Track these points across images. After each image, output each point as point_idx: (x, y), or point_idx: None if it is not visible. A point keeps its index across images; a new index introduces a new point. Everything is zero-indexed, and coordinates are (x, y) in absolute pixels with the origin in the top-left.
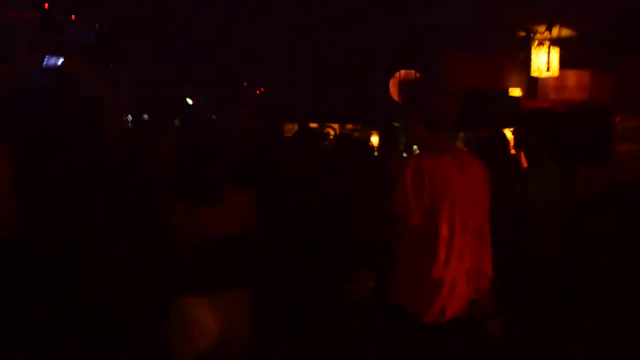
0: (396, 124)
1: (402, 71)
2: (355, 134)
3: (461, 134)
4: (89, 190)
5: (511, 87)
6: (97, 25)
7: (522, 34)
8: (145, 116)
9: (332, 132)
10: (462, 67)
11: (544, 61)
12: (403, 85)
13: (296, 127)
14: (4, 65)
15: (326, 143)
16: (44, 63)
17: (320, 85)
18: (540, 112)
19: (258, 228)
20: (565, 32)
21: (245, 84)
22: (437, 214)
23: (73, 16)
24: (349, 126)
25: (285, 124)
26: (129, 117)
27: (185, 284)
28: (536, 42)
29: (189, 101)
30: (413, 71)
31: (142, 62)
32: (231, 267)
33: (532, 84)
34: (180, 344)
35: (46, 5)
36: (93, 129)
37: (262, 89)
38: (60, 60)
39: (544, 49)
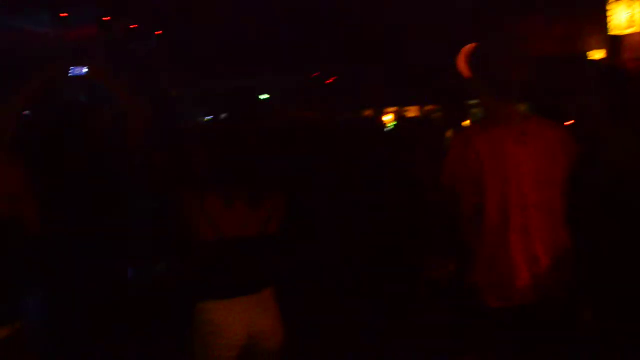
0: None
1: (469, 45)
2: (435, 115)
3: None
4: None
5: (592, 49)
6: (158, 31)
7: None
8: (224, 115)
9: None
10: (534, 32)
11: (625, 17)
12: (468, 55)
13: (373, 112)
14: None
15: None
16: (70, 73)
17: (395, 68)
18: (607, 72)
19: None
20: None
21: (317, 73)
22: (486, 188)
23: (133, 26)
24: (429, 107)
25: (365, 110)
26: (210, 117)
27: (207, 287)
28: None
29: (265, 96)
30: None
31: (211, 60)
32: (254, 270)
33: (615, 44)
34: (204, 351)
35: (107, 18)
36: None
37: (334, 77)
38: (85, 70)
39: (624, 2)
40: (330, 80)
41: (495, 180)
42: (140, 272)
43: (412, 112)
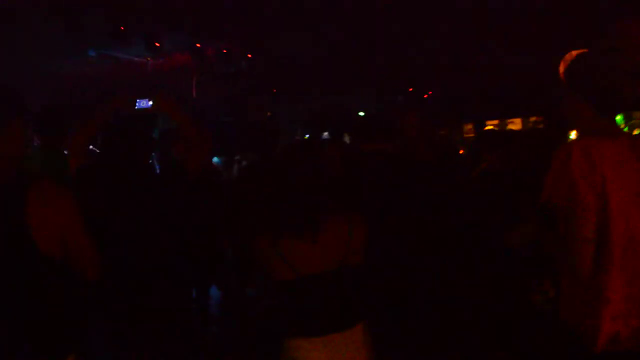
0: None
1: (574, 52)
2: (540, 125)
3: None
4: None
5: None
6: (249, 54)
7: None
8: (326, 134)
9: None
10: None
11: None
12: (568, 62)
13: (472, 126)
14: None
15: None
16: (136, 106)
17: (494, 80)
18: None
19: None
20: None
21: (411, 89)
22: (609, 214)
23: (225, 50)
24: (533, 118)
25: (463, 125)
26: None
27: (294, 324)
28: None
29: (361, 113)
30: (587, 50)
31: (301, 78)
32: (342, 305)
33: None
34: None
35: (198, 44)
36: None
37: (430, 92)
38: (150, 103)
39: None
40: (426, 96)
41: (622, 202)
42: (228, 295)
43: (515, 124)
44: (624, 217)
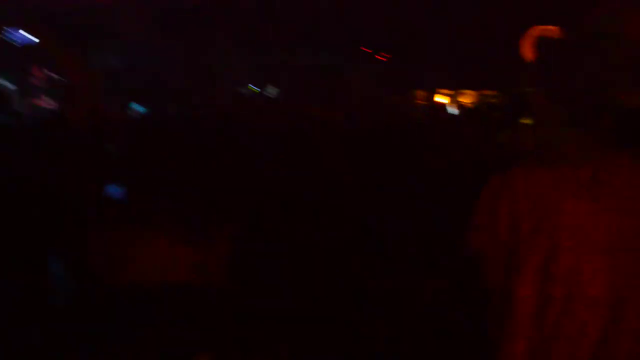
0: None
1: (539, 27)
2: (492, 100)
3: None
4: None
5: None
6: None
7: None
8: (272, 89)
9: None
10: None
11: None
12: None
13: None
14: None
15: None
16: (8, 37)
17: (450, 48)
18: None
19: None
20: None
21: (365, 49)
22: (519, 267)
23: None
24: (486, 92)
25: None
26: (256, 89)
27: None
28: None
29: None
30: (554, 27)
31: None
32: (184, 334)
33: None
34: None
35: None
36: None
37: (385, 54)
38: (26, 35)
39: None
40: (381, 57)
41: (538, 254)
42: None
43: (466, 96)
44: (539, 277)
